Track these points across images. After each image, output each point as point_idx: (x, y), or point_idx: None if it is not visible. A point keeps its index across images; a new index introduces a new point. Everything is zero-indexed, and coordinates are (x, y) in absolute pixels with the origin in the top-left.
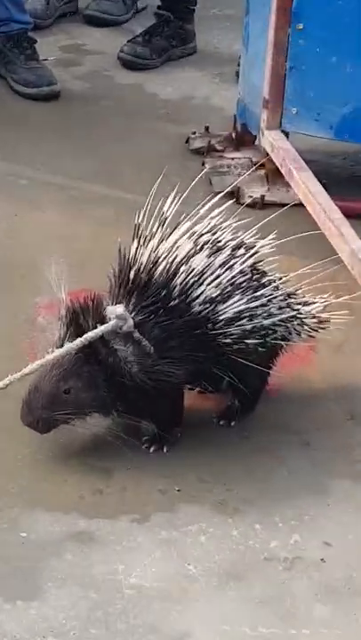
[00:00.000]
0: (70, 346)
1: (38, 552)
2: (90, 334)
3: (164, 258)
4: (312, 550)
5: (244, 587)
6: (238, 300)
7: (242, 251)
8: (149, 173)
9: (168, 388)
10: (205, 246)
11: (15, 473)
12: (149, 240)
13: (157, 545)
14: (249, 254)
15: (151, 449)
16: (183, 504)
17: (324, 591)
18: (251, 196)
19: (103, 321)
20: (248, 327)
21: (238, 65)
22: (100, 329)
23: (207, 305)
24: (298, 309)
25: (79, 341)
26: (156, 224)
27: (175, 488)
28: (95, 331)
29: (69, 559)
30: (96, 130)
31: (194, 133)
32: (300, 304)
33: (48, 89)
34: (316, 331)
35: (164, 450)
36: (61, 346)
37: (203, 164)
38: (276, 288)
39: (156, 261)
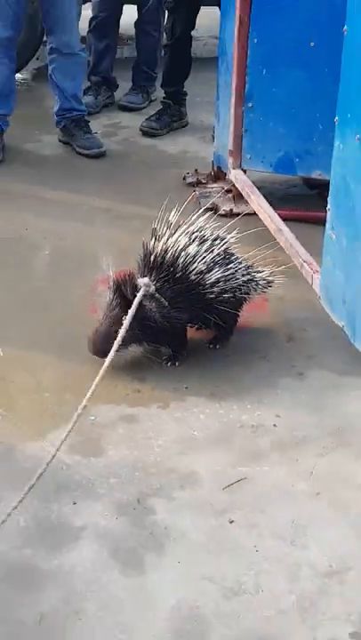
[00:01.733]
0: (130, 315)
1: (102, 428)
2: (135, 301)
3: (171, 247)
4: (268, 419)
5: (227, 443)
6: (217, 271)
7: (218, 241)
8: (161, 198)
9: (177, 326)
10: (196, 239)
11: (85, 381)
12: (161, 237)
13: (174, 420)
14: (222, 243)
15: (168, 364)
16: (189, 396)
17: (277, 443)
18: (224, 210)
19: (135, 287)
20: (224, 287)
21: (213, 131)
22: (139, 296)
23: (198, 275)
24: (254, 276)
25: (133, 309)
26: (165, 227)
27: (184, 386)
28: (137, 298)
29: (120, 432)
30: (128, 174)
31: (188, 173)
32: (255, 272)
33: (97, 151)
34: (266, 288)
35: (176, 364)
36: (111, 304)
37: (194, 192)
38: (240, 263)
39: (166, 250)
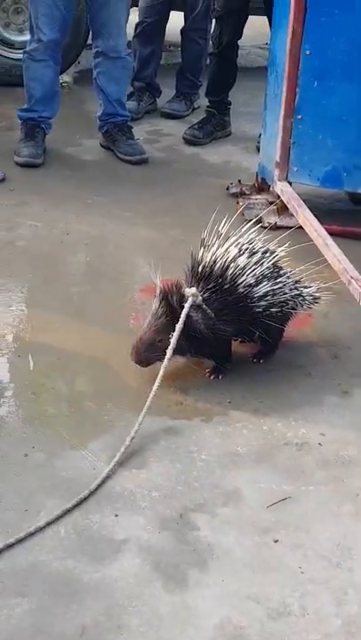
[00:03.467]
0: (179, 325)
1: (144, 439)
2: (184, 312)
3: (220, 258)
4: (313, 438)
5: (271, 460)
6: (265, 285)
7: (268, 254)
8: (203, 207)
9: (223, 339)
10: (245, 251)
11: (129, 393)
12: (210, 247)
13: (217, 435)
14: (272, 257)
15: (212, 377)
16: (232, 410)
17: (321, 463)
18: (268, 222)
19: (182, 298)
20: (271, 301)
21: (258, 142)
22: (186, 307)
23: (247, 288)
24: (301, 291)
25: (182, 320)
26: (214, 238)
27: (227, 400)
28: (185, 308)
29: (163, 444)
30: (170, 181)
31: (231, 184)
32: (302, 287)
33: (140, 157)
34: (313, 304)
35: (220, 377)
36: (156, 313)
37: (237, 203)
38: (288, 277)
39: (215, 260)
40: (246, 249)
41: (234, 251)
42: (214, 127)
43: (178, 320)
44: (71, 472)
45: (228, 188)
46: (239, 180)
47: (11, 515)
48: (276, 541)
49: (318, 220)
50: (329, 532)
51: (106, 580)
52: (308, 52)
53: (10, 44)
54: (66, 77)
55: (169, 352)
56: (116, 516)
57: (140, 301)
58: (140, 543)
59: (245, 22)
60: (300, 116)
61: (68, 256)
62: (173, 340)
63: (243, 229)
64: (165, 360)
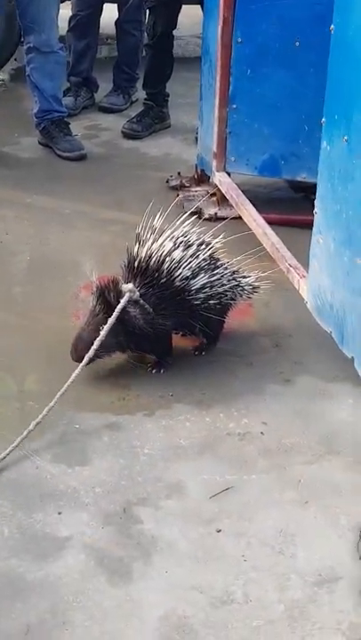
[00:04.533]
0: (112, 319)
1: (87, 436)
2: (118, 307)
3: (155, 253)
4: (255, 427)
5: (214, 451)
6: (202, 277)
7: (204, 246)
8: (144, 202)
9: (162, 333)
10: (181, 244)
11: (70, 389)
12: (145, 242)
13: (160, 429)
14: (208, 248)
15: (153, 371)
16: (175, 403)
17: (264, 452)
18: (208, 214)
19: (119, 294)
20: (210, 293)
21: (196, 133)
22: (122, 302)
23: (184, 281)
24: (240, 281)
25: (115, 314)
26: (149, 232)
27: (170, 394)
28: (120, 304)
29: (105, 440)
30: (110, 177)
31: (171, 176)
32: (241, 277)
33: (78, 153)
34: (252, 294)
35: (161, 371)
36: (94, 310)
37: (177, 195)
38: (226, 268)
39: (150, 255)
40: (181, 242)
41: (169, 244)
42: (153, 120)
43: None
44: (14, 472)
45: (167, 181)
46: (179, 173)
47: None
48: (219, 531)
49: (257, 209)
50: (272, 520)
51: (50, 578)
52: (239, 40)
53: None
54: (1, 75)
55: (95, 345)
56: (60, 513)
57: (81, 299)
58: (83, 539)
59: (179, 12)
60: (234, 106)
61: (9, 256)
62: (102, 334)
63: (178, 222)
64: (89, 353)
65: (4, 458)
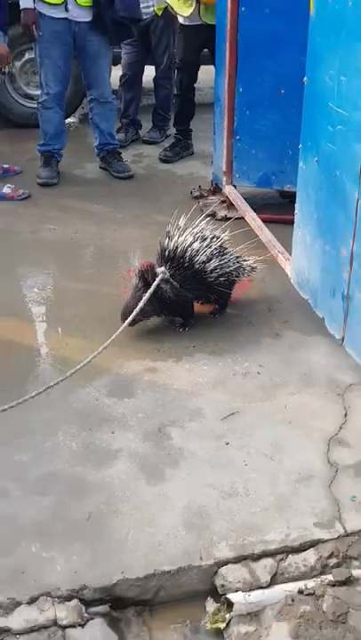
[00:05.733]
0: (148, 293)
1: (132, 376)
2: (153, 284)
3: (180, 244)
4: (254, 368)
5: (224, 386)
6: (214, 261)
7: (215, 239)
8: (174, 208)
9: (186, 302)
10: (198, 238)
11: (120, 344)
12: (173, 237)
13: (185, 370)
14: (218, 240)
15: (180, 329)
16: (196, 352)
17: (260, 386)
18: (220, 215)
19: (155, 275)
20: (220, 272)
21: (212, 158)
22: (157, 280)
23: (201, 264)
24: (242, 263)
25: (151, 289)
26: (175, 229)
27: (192, 345)
28: (155, 282)
29: (145, 379)
30: (150, 190)
31: (193, 189)
32: (243, 261)
33: (127, 174)
34: (251, 273)
35: (186, 329)
36: (137, 286)
37: (198, 202)
38: (231, 255)
39: (177, 246)
40: (199, 236)
41: (190, 238)
42: (181, 149)
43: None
44: (80, 404)
45: (191, 193)
46: (199, 186)
47: (37, 437)
48: (227, 444)
49: (255, 211)
50: (265, 435)
51: (105, 479)
52: (240, 90)
53: (30, 98)
54: (73, 119)
55: (135, 312)
56: (113, 432)
57: (128, 278)
58: (129, 451)
59: (198, 70)
60: (238, 137)
61: (78, 249)
62: (141, 303)
63: (198, 222)
64: (130, 317)
65: (75, 371)
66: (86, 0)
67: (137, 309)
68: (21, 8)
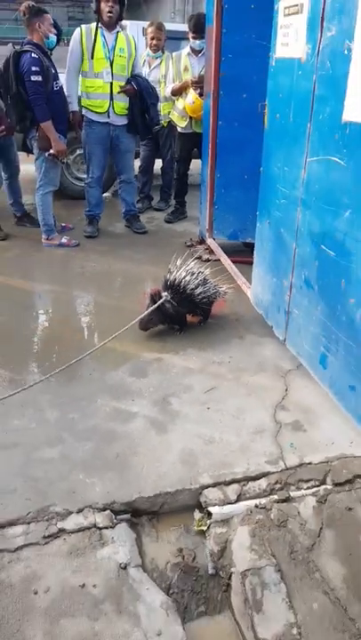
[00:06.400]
0: (153, 307)
1: (145, 363)
2: (158, 303)
3: (178, 277)
4: (225, 359)
5: (206, 370)
6: (200, 288)
7: (200, 274)
8: (173, 253)
9: (182, 315)
10: (189, 273)
11: (136, 341)
12: (173, 272)
13: (181, 359)
14: (203, 274)
15: (178, 333)
16: (188, 348)
17: (229, 371)
18: (205, 258)
19: (160, 297)
20: (204, 296)
21: (198, 220)
22: (161, 301)
23: (191, 290)
24: (218, 290)
25: (155, 305)
26: (175, 267)
27: (186, 343)
28: (160, 301)
29: (155, 365)
30: (159, 241)
31: (187, 241)
32: (219, 288)
33: (143, 230)
34: (224, 296)
35: (182, 332)
36: (148, 305)
37: (190, 249)
38: (211, 283)
39: (175, 279)
40: (190, 272)
41: (184, 273)
42: (179, 214)
43: (158, 307)
44: (113, 381)
45: (185, 243)
46: (190, 239)
47: (83, 403)
48: (208, 409)
49: (228, 255)
50: (233, 403)
51: (128, 431)
52: (218, 175)
53: (80, 179)
54: (107, 194)
55: (140, 318)
56: (133, 400)
57: (144, 299)
58: (144, 413)
59: (190, 163)
60: (216, 207)
61: (110, 278)
62: (145, 314)
63: (188, 262)
64: (146, 323)
65: (97, 348)
66: (122, 109)
67: (141, 317)
68: (70, 110)
